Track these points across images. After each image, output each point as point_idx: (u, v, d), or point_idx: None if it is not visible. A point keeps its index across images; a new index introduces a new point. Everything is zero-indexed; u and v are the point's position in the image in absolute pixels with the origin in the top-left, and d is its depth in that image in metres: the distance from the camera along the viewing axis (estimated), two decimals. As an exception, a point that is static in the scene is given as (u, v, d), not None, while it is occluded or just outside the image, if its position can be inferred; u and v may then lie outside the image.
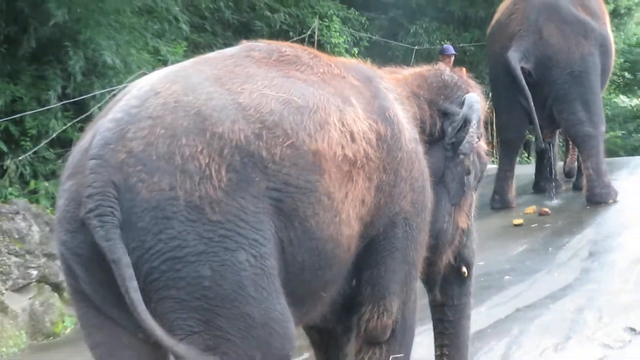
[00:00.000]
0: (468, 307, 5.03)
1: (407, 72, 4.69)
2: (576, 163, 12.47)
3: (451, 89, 4.62)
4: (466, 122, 4.47)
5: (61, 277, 8.39)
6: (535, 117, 10.50)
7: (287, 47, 3.96)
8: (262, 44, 3.93)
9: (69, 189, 3.29)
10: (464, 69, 15.29)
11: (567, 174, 12.74)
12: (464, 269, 4.88)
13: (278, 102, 3.48)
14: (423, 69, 4.78)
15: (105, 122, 3.29)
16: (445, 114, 4.52)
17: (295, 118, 3.49)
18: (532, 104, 10.46)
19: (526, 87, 10.48)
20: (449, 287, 4.70)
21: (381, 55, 18.01)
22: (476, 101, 4.56)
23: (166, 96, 3.32)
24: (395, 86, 4.36)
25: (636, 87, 29.25)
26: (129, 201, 3.14)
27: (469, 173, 4.59)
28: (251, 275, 3.24)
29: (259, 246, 3.27)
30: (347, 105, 3.79)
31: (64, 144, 10.64)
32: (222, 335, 3.24)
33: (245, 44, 3.93)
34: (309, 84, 3.72)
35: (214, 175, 3.19)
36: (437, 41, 18.22)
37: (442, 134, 4.50)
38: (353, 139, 3.71)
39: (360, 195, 3.73)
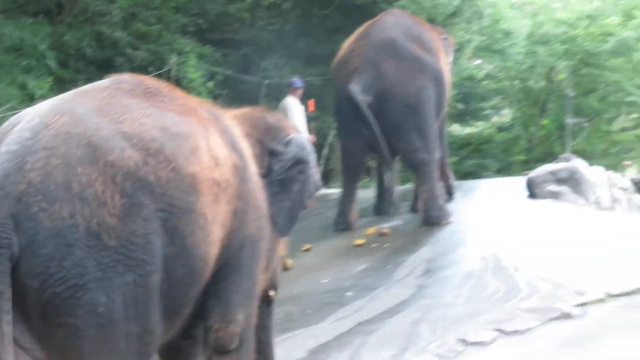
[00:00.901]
0: (273, 329, 5.23)
1: (236, 112, 4.82)
2: (449, 182, 12.82)
3: (275, 130, 4.84)
4: (299, 162, 4.76)
5: None
6: (383, 140, 10.62)
7: (148, 81, 4.02)
8: (128, 77, 3.95)
9: None
10: (311, 101, 15.49)
11: (447, 193, 12.86)
12: (272, 292, 5.06)
13: (156, 130, 3.54)
14: (248, 110, 4.97)
15: (2, 154, 3.26)
16: (271, 153, 4.72)
17: (173, 144, 3.56)
18: (379, 129, 10.57)
19: (371, 115, 10.58)
20: (258, 309, 4.77)
21: (234, 88, 18.09)
22: (307, 143, 4.89)
23: (57, 128, 3.31)
24: (235, 125, 4.48)
25: (468, 117, 29.98)
26: (31, 229, 3.13)
27: (304, 208, 4.94)
28: (135, 294, 3.29)
29: (145, 265, 3.31)
30: (209, 133, 3.89)
31: None
32: (105, 357, 3.29)
33: (113, 78, 3.93)
34: (176, 113, 3.78)
35: (109, 201, 3.22)
36: (286, 75, 18.26)
37: (268, 172, 4.67)
38: (218, 164, 3.82)
39: (223, 218, 3.84)
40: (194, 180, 3.60)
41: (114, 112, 3.52)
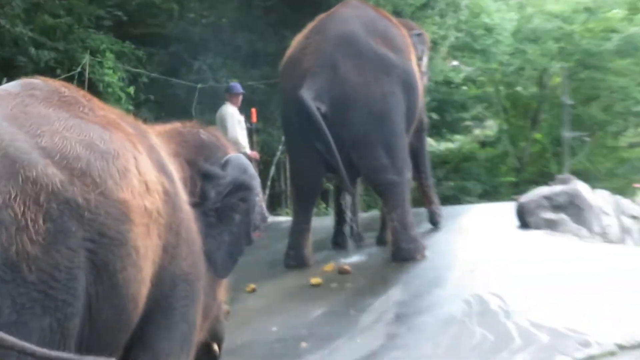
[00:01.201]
0: None
1: (162, 128, 4.80)
2: (433, 207, 12.96)
3: (210, 148, 4.83)
4: (239, 187, 4.72)
5: None
6: (339, 159, 10.42)
7: (63, 87, 3.96)
8: (41, 83, 3.90)
9: None
10: (254, 110, 15.49)
11: (431, 221, 13.00)
12: (216, 347, 5.05)
13: (81, 146, 3.49)
14: (178, 125, 4.94)
15: None
16: (205, 176, 4.66)
17: (102, 164, 3.52)
18: (334, 145, 10.37)
19: (325, 127, 10.38)
20: None
21: (161, 94, 18.03)
22: (248, 164, 4.85)
23: None
24: (162, 143, 4.45)
25: (444, 130, 30.13)
26: None
27: (250, 243, 4.87)
28: (49, 341, 3.19)
29: (66, 307, 3.23)
30: (137, 152, 3.85)
31: None
32: None
33: (24, 82, 3.89)
34: (100, 126, 3.74)
35: (31, 225, 3.12)
36: (224, 79, 18.26)
37: (202, 198, 4.62)
38: (149, 190, 3.78)
39: (153, 254, 3.79)
40: (126, 207, 3.55)
41: (31, 122, 3.46)
